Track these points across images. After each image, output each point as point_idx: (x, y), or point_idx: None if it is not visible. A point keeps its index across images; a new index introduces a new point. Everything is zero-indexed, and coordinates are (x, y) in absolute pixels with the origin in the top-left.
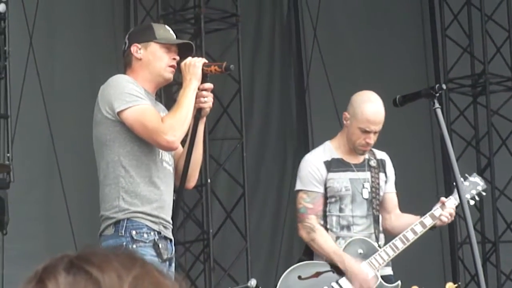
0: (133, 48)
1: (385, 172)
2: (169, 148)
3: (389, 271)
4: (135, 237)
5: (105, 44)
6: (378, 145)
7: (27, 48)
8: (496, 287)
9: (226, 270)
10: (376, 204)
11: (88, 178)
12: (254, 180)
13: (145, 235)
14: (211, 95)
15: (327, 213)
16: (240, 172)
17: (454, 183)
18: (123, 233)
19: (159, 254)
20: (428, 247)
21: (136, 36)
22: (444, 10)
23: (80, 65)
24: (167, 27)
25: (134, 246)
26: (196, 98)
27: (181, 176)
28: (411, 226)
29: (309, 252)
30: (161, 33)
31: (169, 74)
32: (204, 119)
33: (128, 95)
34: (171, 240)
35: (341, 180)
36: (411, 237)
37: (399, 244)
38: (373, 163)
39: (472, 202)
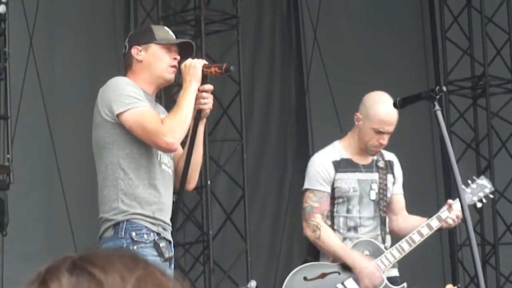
0: (134, 50)
1: (393, 174)
2: (168, 150)
3: (395, 272)
4: (135, 239)
5: (105, 45)
6: None
7: (27, 49)
8: None
9: (226, 271)
10: (383, 206)
11: (88, 179)
12: (254, 181)
13: (145, 236)
14: (211, 96)
15: (335, 214)
16: (240, 174)
17: (462, 186)
18: (123, 235)
19: (160, 254)
20: (428, 249)
21: (136, 39)
22: (444, 12)
23: (80, 66)
24: (166, 28)
25: (135, 247)
26: (196, 99)
27: (181, 177)
28: (418, 228)
29: (314, 252)
30: (160, 34)
31: (170, 75)
32: (204, 120)
33: (127, 97)
34: (170, 242)
35: (349, 181)
36: (418, 239)
37: (405, 246)
38: (381, 164)
39: (479, 205)
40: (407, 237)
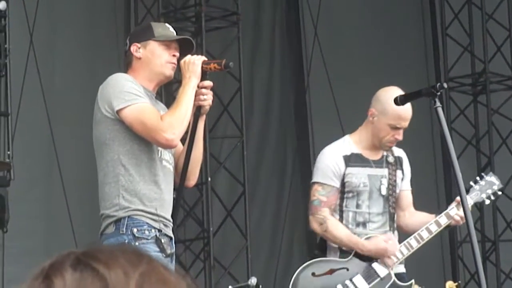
0: (133, 48)
1: (402, 169)
2: (168, 146)
3: (402, 269)
4: (136, 235)
5: (106, 42)
6: None
7: (27, 45)
8: (496, 286)
9: (226, 268)
10: (392, 202)
11: (89, 176)
12: (255, 178)
13: (147, 232)
14: (211, 92)
15: (344, 208)
16: (241, 171)
17: (470, 183)
18: (124, 231)
19: (162, 249)
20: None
21: (136, 36)
22: (445, 9)
23: (80, 62)
24: (166, 25)
25: (137, 243)
26: (195, 96)
27: (180, 174)
28: (426, 225)
29: (322, 246)
30: (159, 31)
31: (169, 71)
32: (204, 117)
33: (127, 93)
34: (171, 238)
35: (359, 176)
36: (426, 236)
37: (413, 243)
38: (391, 159)
39: (487, 202)
40: (415, 234)
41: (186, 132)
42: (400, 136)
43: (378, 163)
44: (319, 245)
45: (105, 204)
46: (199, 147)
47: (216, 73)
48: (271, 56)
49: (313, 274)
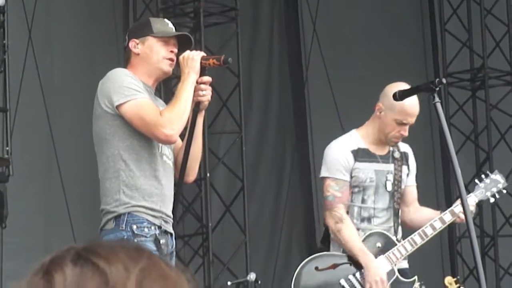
0: (132, 44)
1: (407, 165)
2: (167, 142)
3: (405, 264)
4: (136, 232)
5: (105, 37)
6: None
7: (26, 41)
8: (495, 281)
9: (225, 264)
10: (397, 197)
11: (87, 171)
12: (253, 174)
13: (146, 230)
14: (210, 88)
15: (350, 203)
16: (239, 166)
17: (475, 181)
18: (124, 227)
19: (159, 249)
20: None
21: (134, 32)
22: (444, 5)
23: (79, 58)
24: (165, 20)
25: (135, 240)
26: (194, 91)
27: (180, 169)
28: (431, 222)
29: (326, 240)
30: (158, 27)
31: (167, 67)
32: (203, 112)
33: (126, 88)
34: (171, 234)
35: (366, 171)
36: (430, 232)
37: (417, 239)
38: (397, 155)
39: (492, 200)
40: (419, 230)
41: (185, 128)
42: (405, 132)
43: (385, 158)
44: (323, 239)
45: (105, 199)
46: (198, 143)
47: (214, 69)
48: (270, 51)
49: (316, 268)
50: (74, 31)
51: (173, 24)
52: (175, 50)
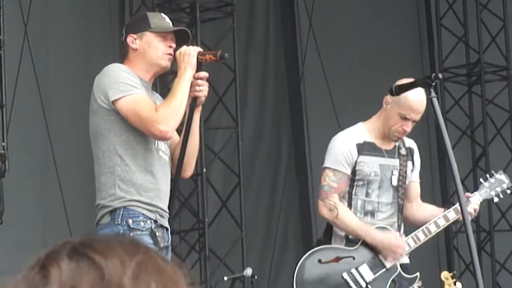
0: (129, 39)
1: (412, 161)
2: (162, 138)
3: (406, 260)
4: (131, 226)
5: (101, 32)
6: None
7: (21, 37)
8: (491, 276)
9: (221, 259)
10: (401, 193)
11: (84, 167)
12: (249, 169)
13: (142, 223)
14: (206, 83)
15: (353, 196)
16: (235, 161)
17: (480, 180)
18: (120, 222)
19: (156, 242)
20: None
21: (132, 27)
22: (440, 0)
23: (75, 53)
24: (162, 15)
25: (131, 234)
26: (191, 87)
27: (176, 165)
28: (434, 219)
29: (328, 233)
30: (155, 22)
31: (165, 62)
32: (200, 108)
33: (122, 84)
34: (167, 229)
35: (371, 165)
36: (434, 229)
37: (421, 236)
38: (403, 151)
39: (496, 199)
40: (423, 227)
41: (182, 123)
42: (408, 128)
43: (390, 153)
44: (325, 231)
45: (101, 194)
46: (195, 139)
47: (210, 64)
48: (266, 47)
49: (319, 260)
50: (70, 26)
51: (169, 20)
52: (173, 45)
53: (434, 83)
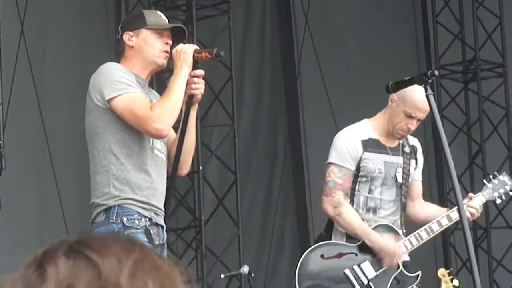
0: (125, 36)
1: (416, 159)
2: (158, 136)
3: (406, 257)
4: (126, 224)
5: (97, 30)
6: None
7: (18, 35)
8: (488, 273)
9: (218, 257)
10: (404, 191)
11: (80, 165)
12: (246, 166)
13: (136, 221)
14: (203, 81)
15: (356, 192)
16: (232, 159)
17: (483, 181)
18: (114, 220)
19: (150, 240)
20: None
21: (128, 24)
22: None
23: (71, 52)
24: (158, 12)
25: (126, 232)
26: (187, 84)
27: (173, 163)
28: (437, 219)
29: (329, 229)
30: (151, 19)
31: (162, 60)
32: (196, 105)
33: (118, 83)
34: (162, 227)
35: (376, 162)
36: (436, 229)
37: (423, 235)
38: (406, 149)
39: (498, 201)
40: (426, 226)
41: (178, 121)
42: (413, 126)
43: (395, 151)
44: (326, 227)
45: (95, 193)
46: (191, 136)
47: (207, 62)
48: (262, 44)
49: (322, 256)
50: (66, 24)
51: (165, 17)
52: (170, 42)
53: (430, 80)
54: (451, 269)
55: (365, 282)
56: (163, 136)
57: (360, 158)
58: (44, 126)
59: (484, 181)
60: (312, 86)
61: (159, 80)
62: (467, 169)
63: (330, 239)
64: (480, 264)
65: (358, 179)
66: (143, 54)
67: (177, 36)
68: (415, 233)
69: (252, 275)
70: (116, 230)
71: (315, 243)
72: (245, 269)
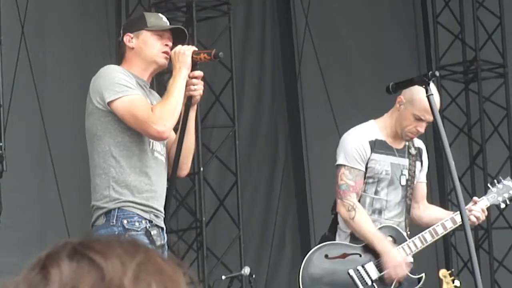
0: (126, 38)
1: (421, 161)
2: (159, 138)
3: (410, 259)
4: (126, 226)
5: (97, 32)
6: None
7: (19, 36)
8: (489, 274)
9: (219, 258)
10: (409, 193)
11: (81, 167)
12: (246, 168)
13: (137, 224)
14: (202, 82)
15: (362, 193)
16: (232, 160)
17: (488, 185)
18: (115, 223)
19: (152, 241)
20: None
21: (129, 26)
22: None
23: (72, 54)
24: (160, 15)
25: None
26: (186, 86)
27: (172, 164)
28: (442, 221)
29: (333, 229)
30: (152, 21)
31: (162, 60)
32: (195, 107)
33: (118, 85)
34: (163, 229)
35: (383, 163)
36: (441, 231)
37: (428, 237)
38: (412, 151)
39: (503, 205)
40: (430, 229)
41: (178, 123)
42: (422, 129)
43: (401, 153)
44: (330, 228)
45: (95, 195)
46: (190, 137)
47: (208, 63)
48: (262, 45)
49: (326, 256)
50: (66, 26)
51: (166, 19)
52: (170, 44)
53: (431, 81)
54: (453, 269)
55: (369, 283)
56: (164, 138)
57: (368, 159)
58: (45, 127)
59: (489, 185)
60: (313, 86)
61: (159, 81)
62: (468, 169)
63: (334, 239)
64: (481, 265)
65: (365, 180)
66: (143, 55)
67: (178, 38)
68: (420, 235)
69: (253, 276)
70: (116, 233)
71: (319, 243)
72: (246, 270)
